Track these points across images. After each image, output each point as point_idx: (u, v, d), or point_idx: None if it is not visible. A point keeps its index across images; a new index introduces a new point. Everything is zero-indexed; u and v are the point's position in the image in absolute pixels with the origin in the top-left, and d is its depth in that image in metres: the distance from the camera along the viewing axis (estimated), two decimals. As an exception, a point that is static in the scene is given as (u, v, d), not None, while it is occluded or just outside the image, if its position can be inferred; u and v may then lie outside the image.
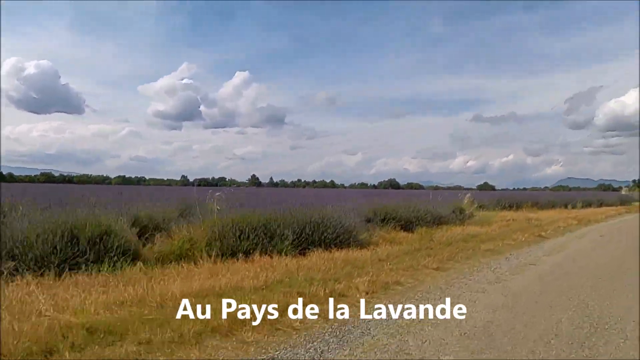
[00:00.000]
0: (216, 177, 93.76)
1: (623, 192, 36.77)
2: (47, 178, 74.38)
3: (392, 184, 78.86)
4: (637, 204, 27.69)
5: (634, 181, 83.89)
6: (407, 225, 10.97)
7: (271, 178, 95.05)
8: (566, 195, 27.95)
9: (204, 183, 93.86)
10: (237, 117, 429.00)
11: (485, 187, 71.32)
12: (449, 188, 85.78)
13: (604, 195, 29.66)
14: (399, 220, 10.88)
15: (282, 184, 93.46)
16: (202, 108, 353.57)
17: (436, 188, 77.08)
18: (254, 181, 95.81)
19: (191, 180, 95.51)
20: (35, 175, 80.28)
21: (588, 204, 25.09)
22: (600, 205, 25.97)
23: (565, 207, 23.44)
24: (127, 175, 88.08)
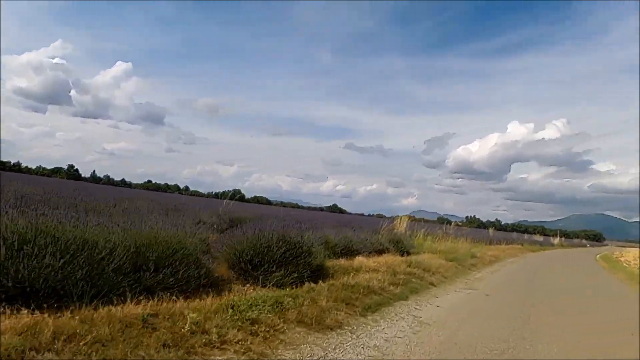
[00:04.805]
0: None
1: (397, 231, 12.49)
2: None
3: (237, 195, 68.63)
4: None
5: (466, 217, 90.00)
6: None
7: (94, 171, 76.64)
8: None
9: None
10: (112, 109, 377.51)
11: (334, 210, 69.45)
12: (309, 208, 78.21)
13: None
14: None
15: (107, 181, 75.25)
16: (72, 93, 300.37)
17: (284, 205, 68.92)
18: (71, 172, 75.44)
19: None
20: None
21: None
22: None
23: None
24: None
